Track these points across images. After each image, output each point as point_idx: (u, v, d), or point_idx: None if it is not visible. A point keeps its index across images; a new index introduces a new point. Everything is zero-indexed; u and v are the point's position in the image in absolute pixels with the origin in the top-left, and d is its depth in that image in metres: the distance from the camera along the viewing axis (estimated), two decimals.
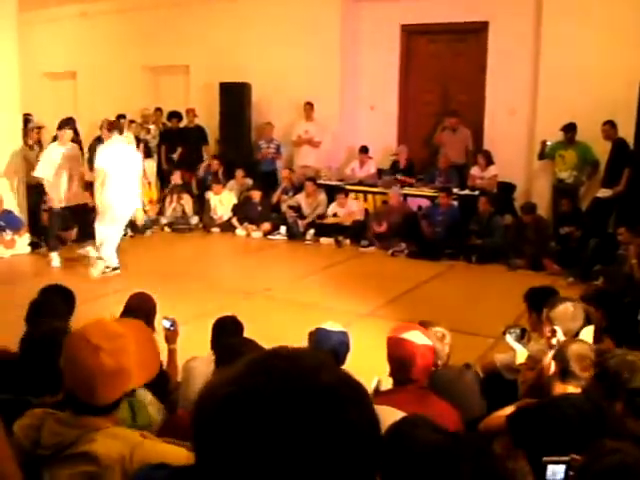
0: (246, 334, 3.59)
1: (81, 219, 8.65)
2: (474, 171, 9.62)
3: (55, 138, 10.65)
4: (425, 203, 9.63)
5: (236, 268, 8.62)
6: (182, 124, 11.75)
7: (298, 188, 10.59)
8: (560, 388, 2.75)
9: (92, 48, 13.37)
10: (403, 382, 2.86)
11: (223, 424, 0.85)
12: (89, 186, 8.51)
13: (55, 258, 8.35)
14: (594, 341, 3.30)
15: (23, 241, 8.88)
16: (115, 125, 8.06)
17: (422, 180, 10.14)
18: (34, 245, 8.99)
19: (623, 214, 8.01)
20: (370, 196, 10.19)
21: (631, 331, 4.10)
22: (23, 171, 9.40)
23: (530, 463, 2.43)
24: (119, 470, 1.68)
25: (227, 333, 3.57)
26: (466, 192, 9.46)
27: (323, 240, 9.81)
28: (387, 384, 3.14)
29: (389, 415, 2.22)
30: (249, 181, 10.97)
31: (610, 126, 8.38)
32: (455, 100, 10.61)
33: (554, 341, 3.29)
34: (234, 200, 10.72)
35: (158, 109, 12.34)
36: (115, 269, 7.77)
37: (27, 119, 10.73)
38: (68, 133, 8.69)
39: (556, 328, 3.37)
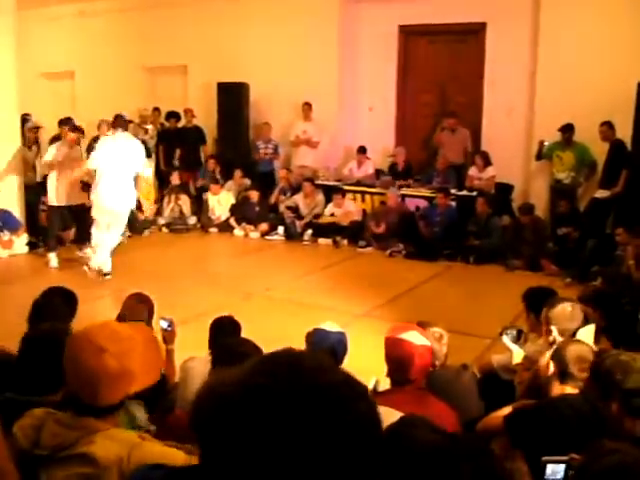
0: (243, 334, 3.59)
1: (79, 219, 8.64)
2: (472, 172, 9.63)
3: (55, 138, 10.67)
4: (423, 204, 9.64)
5: (234, 268, 8.61)
6: (180, 124, 11.74)
7: (296, 188, 10.60)
8: (558, 389, 2.75)
9: (90, 48, 13.36)
10: (401, 382, 2.87)
11: (229, 423, 0.86)
12: (87, 187, 8.49)
13: (53, 259, 8.34)
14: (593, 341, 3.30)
15: (21, 241, 8.87)
16: (119, 122, 7.84)
17: (420, 181, 10.15)
18: (32, 245, 8.98)
19: (621, 215, 8.02)
20: (368, 196, 10.19)
21: (629, 331, 4.10)
22: (21, 171, 9.39)
23: (528, 463, 2.43)
24: (116, 471, 1.68)
25: (225, 333, 3.57)
26: (464, 193, 9.46)
27: (321, 240, 9.81)
28: (385, 384, 3.15)
29: (387, 416, 2.21)
30: (247, 181, 10.96)
31: (608, 127, 8.39)
32: (453, 101, 10.62)
33: (551, 339, 3.30)
34: (232, 200, 10.72)
35: (156, 109, 12.33)
36: (106, 274, 7.62)
37: (25, 119, 10.72)
38: (71, 135, 8.68)
39: (552, 328, 3.38)
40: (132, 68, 12.88)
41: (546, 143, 8.99)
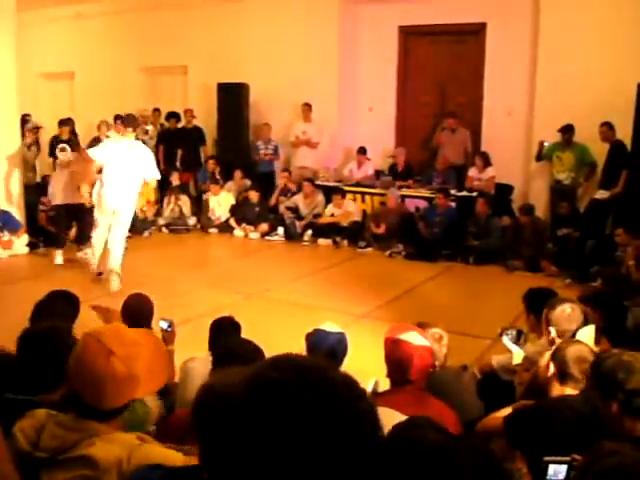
0: (243, 335, 3.59)
1: (78, 219, 8.64)
2: (472, 172, 9.63)
3: (57, 139, 10.66)
4: (423, 204, 9.64)
5: (234, 269, 8.61)
6: (180, 125, 11.74)
7: (296, 189, 10.60)
8: (558, 390, 2.75)
9: (90, 49, 13.37)
10: (400, 383, 2.86)
11: (232, 422, 0.86)
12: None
13: (59, 256, 8.41)
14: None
15: (21, 242, 8.87)
16: (130, 121, 7.50)
17: (420, 181, 10.15)
18: (32, 246, 8.97)
19: (620, 216, 8.02)
20: (368, 197, 10.19)
21: (628, 332, 4.10)
22: (21, 171, 9.40)
23: (529, 464, 2.43)
24: (116, 473, 1.68)
25: (225, 334, 3.57)
26: (464, 193, 9.46)
27: (321, 241, 9.81)
28: (385, 385, 3.15)
29: (387, 416, 2.22)
30: (247, 182, 10.97)
31: (608, 128, 8.39)
32: (453, 101, 10.62)
33: (550, 340, 3.31)
34: (232, 201, 10.72)
35: (156, 110, 12.34)
36: (100, 274, 7.46)
37: (25, 119, 10.73)
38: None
39: (550, 329, 3.38)
40: (132, 69, 12.89)
41: (546, 144, 9.00)
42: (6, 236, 8.73)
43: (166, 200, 10.86)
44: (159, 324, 3.86)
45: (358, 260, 9.03)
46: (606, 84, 8.47)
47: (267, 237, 10.14)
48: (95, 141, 11.09)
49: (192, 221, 10.79)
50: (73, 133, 11.35)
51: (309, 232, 9.91)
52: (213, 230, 10.53)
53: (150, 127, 11.80)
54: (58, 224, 8.70)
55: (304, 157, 10.99)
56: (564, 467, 2.20)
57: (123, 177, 7.11)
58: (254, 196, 10.42)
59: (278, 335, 5.01)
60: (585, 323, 3.44)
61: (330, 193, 10.21)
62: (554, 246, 8.34)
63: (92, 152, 7.26)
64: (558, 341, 3.22)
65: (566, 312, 3.39)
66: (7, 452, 1.62)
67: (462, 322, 5.82)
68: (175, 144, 11.62)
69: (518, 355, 3.69)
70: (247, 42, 11.34)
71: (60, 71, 14.01)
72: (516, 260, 8.25)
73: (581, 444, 2.12)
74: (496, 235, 8.72)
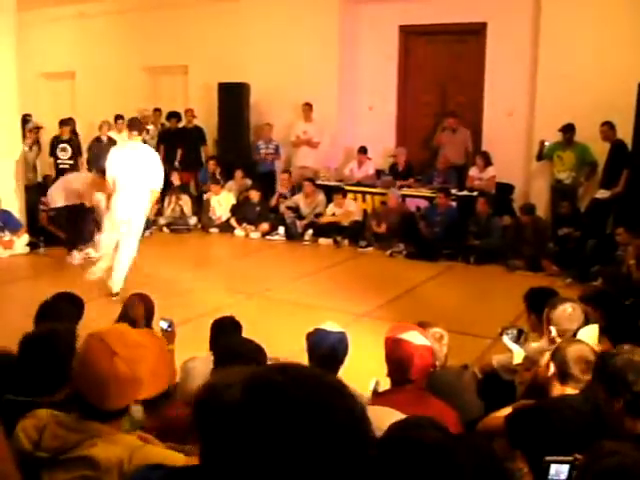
0: (244, 334, 3.59)
1: (80, 219, 8.66)
2: (472, 172, 9.63)
3: (57, 139, 10.69)
4: (423, 204, 9.64)
5: (234, 268, 8.61)
6: (181, 124, 11.75)
7: (297, 188, 10.61)
8: (558, 389, 2.75)
9: (91, 48, 13.37)
10: (401, 383, 2.86)
11: (231, 422, 0.87)
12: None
13: (77, 256, 8.45)
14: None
15: (21, 242, 8.87)
16: (135, 124, 7.25)
17: (420, 181, 10.15)
18: (33, 245, 8.98)
19: (621, 215, 8.01)
20: (369, 197, 10.20)
21: (630, 331, 4.10)
22: (22, 171, 9.40)
23: (530, 464, 2.43)
24: (117, 474, 1.68)
25: (226, 333, 3.58)
26: (464, 193, 9.46)
27: (321, 240, 9.81)
28: (385, 385, 3.15)
29: (388, 416, 2.22)
30: (248, 181, 10.97)
31: (609, 127, 8.38)
32: (453, 101, 10.62)
33: (552, 340, 3.31)
34: (233, 201, 10.72)
35: (157, 109, 12.35)
36: (115, 295, 6.78)
37: (26, 119, 10.74)
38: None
39: (551, 328, 3.38)
40: (133, 68, 12.89)
41: (547, 143, 8.99)
42: (7, 236, 8.73)
43: (167, 200, 10.86)
44: (159, 324, 3.86)
45: (359, 260, 9.03)
46: (607, 83, 8.46)
47: (268, 237, 10.14)
48: (96, 141, 11.14)
49: (193, 221, 10.79)
50: (74, 133, 11.40)
51: (310, 232, 9.91)
52: (214, 230, 10.53)
53: (151, 127, 11.81)
54: (62, 224, 8.70)
55: (305, 157, 10.99)
56: (566, 467, 2.20)
57: (132, 186, 6.84)
58: (255, 196, 10.42)
59: (279, 335, 5.02)
60: (586, 323, 3.44)
61: (331, 193, 10.21)
62: (555, 245, 8.33)
63: (109, 169, 6.92)
64: (559, 340, 3.22)
65: (567, 311, 3.40)
66: (9, 452, 1.62)
67: (463, 321, 5.82)
68: (176, 144, 11.63)
69: (519, 355, 3.69)
70: (248, 42, 11.34)
71: (61, 71, 14.02)
72: (517, 260, 8.25)
73: (581, 444, 2.12)
74: (497, 235, 8.72)
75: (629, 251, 6.82)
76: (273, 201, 10.70)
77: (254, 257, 9.37)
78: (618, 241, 7.26)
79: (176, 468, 1.25)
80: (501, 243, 8.57)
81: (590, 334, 3.34)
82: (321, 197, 10.29)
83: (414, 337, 2.86)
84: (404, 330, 2.91)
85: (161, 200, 10.96)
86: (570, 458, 2.19)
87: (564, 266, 7.84)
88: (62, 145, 10.60)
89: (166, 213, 10.82)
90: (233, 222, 10.45)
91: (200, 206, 10.91)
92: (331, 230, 9.77)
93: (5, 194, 8.81)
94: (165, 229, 10.66)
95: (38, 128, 11.07)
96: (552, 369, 2.78)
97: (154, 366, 1.83)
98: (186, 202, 10.84)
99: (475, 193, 9.24)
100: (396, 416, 2.18)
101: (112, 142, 11.08)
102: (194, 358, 3.57)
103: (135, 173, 6.79)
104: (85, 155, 11.02)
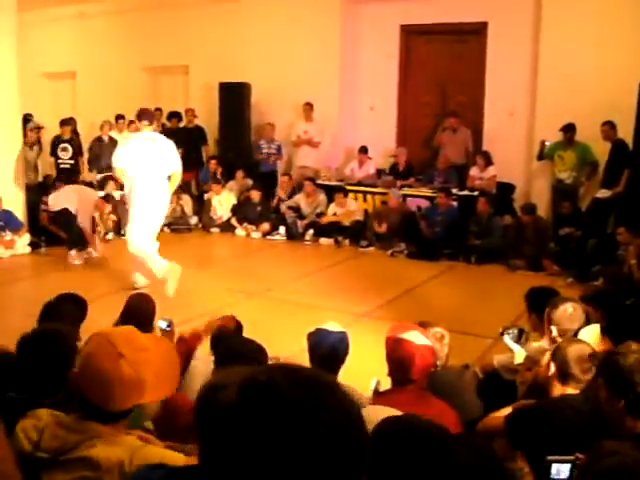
0: (245, 334, 3.59)
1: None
2: (473, 172, 9.62)
3: (58, 139, 10.69)
4: (424, 203, 9.64)
5: (235, 268, 8.61)
6: (181, 124, 11.75)
7: (297, 188, 10.60)
8: (559, 389, 2.74)
9: (91, 48, 13.37)
10: (402, 382, 2.86)
11: (227, 423, 0.88)
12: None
13: (77, 256, 8.43)
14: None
15: (22, 241, 8.87)
16: (145, 114, 7.01)
17: (421, 180, 10.15)
18: (34, 245, 8.98)
19: (622, 215, 8.01)
20: (369, 196, 10.19)
21: (631, 331, 4.10)
22: (23, 171, 9.40)
23: (530, 463, 2.43)
24: (117, 474, 1.68)
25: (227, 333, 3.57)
26: (465, 193, 9.46)
27: (322, 240, 9.81)
28: (386, 385, 3.15)
29: (388, 415, 2.22)
30: (249, 181, 10.97)
31: (609, 127, 8.38)
32: (454, 100, 10.61)
33: (553, 340, 3.30)
34: (233, 200, 10.72)
35: (157, 109, 12.33)
36: (170, 268, 6.73)
37: (27, 119, 10.74)
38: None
39: (552, 328, 3.38)
40: (133, 68, 12.89)
41: (547, 143, 8.99)
42: (8, 235, 8.73)
43: None
44: (158, 323, 3.85)
45: (360, 259, 9.03)
46: (608, 83, 8.46)
47: (269, 236, 10.14)
48: (97, 141, 11.14)
49: (194, 220, 10.79)
50: (75, 133, 11.40)
51: (311, 231, 9.91)
52: (215, 229, 10.53)
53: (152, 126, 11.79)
54: (65, 224, 8.68)
55: (305, 156, 10.99)
56: (567, 466, 2.20)
57: (150, 176, 6.68)
58: (256, 196, 10.41)
59: (280, 334, 5.02)
60: (587, 323, 3.44)
61: (332, 192, 10.21)
62: (556, 245, 8.33)
63: (116, 160, 6.81)
64: (559, 340, 3.22)
65: (568, 311, 3.39)
66: (9, 452, 1.62)
67: (464, 321, 5.81)
68: (176, 144, 11.53)
69: (520, 354, 3.68)
70: (249, 42, 11.34)
71: (62, 71, 14.02)
72: (518, 259, 8.25)
73: (582, 444, 2.12)
74: (498, 234, 8.72)
75: (630, 251, 6.82)
76: (274, 201, 10.69)
77: (255, 257, 9.37)
78: (619, 241, 7.26)
79: (176, 468, 1.25)
80: (502, 243, 8.57)
81: (591, 334, 3.33)
82: (322, 197, 10.29)
83: (415, 337, 2.86)
84: (405, 330, 2.91)
85: None
86: (572, 457, 2.19)
87: (565, 266, 7.84)
88: (63, 145, 10.60)
89: (167, 213, 10.80)
90: (234, 222, 10.45)
91: (201, 206, 10.91)
92: (332, 230, 9.77)
93: (6, 194, 8.81)
94: (166, 229, 10.63)
95: (39, 128, 11.05)
96: (552, 369, 2.78)
97: (160, 371, 1.82)
98: (187, 202, 10.84)
99: (476, 193, 9.24)
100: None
101: (113, 142, 11.09)
102: (195, 357, 3.58)
103: (152, 162, 6.65)
104: (86, 155, 11.02)
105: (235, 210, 10.58)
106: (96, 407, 1.77)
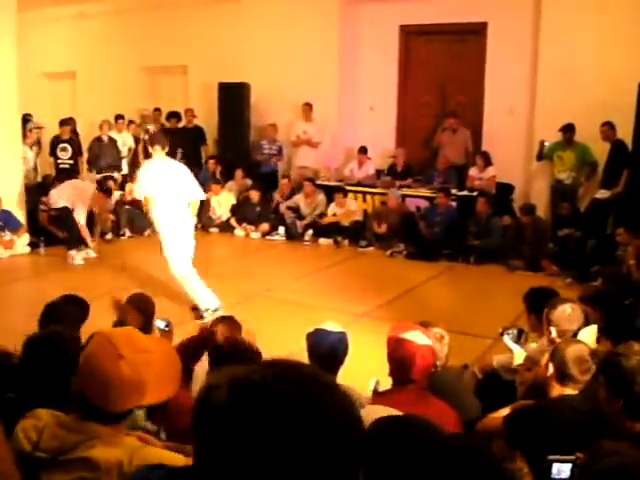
0: (244, 335, 3.59)
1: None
2: (472, 172, 9.63)
3: (58, 139, 10.68)
4: (423, 204, 9.64)
5: (234, 269, 8.61)
6: (181, 124, 11.75)
7: (297, 189, 10.60)
8: (558, 390, 2.74)
9: (91, 48, 13.37)
10: (403, 382, 2.86)
11: (217, 425, 0.87)
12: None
13: (77, 256, 8.43)
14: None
15: (22, 241, 8.87)
16: (157, 138, 6.94)
17: (420, 181, 10.15)
18: (33, 245, 8.98)
19: (621, 215, 8.01)
20: (369, 197, 10.20)
21: (629, 332, 4.10)
22: (22, 171, 9.40)
23: (529, 464, 2.43)
24: (116, 475, 1.68)
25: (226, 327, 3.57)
26: (464, 193, 9.46)
27: (322, 240, 9.81)
28: (385, 385, 3.15)
29: (388, 414, 2.22)
30: (248, 181, 10.97)
31: (609, 127, 8.39)
32: (454, 101, 10.61)
33: (552, 341, 3.30)
34: (233, 200, 10.72)
35: (157, 109, 12.35)
36: (216, 310, 6.27)
37: (26, 119, 10.74)
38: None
39: (551, 329, 3.38)
40: (133, 68, 12.89)
41: (547, 143, 8.99)
42: (7, 236, 8.73)
43: None
44: (156, 323, 3.84)
45: (359, 260, 9.03)
46: (607, 83, 8.46)
47: (268, 237, 10.14)
48: (97, 141, 11.13)
49: (193, 221, 10.76)
50: (74, 133, 11.40)
51: (310, 232, 9.91)
52: (214, 230, 10.53)
53: (151, 127, 11.80)
54: (66, 224, 8.68)
55: (305, 157, 10.99)
56: (568, 466, 2.20)
57: (172, 197, 6.48)
58: (255, 196, 10.41)
59: (279, 335, 5.02)
60: (586, 323, 3.44)
61: (331, 193, 10.21)
62: (555, 245, 8.34)
63: (142, 189, 6.58)
64: (558, 341, 3.22)
65: (567, 312, 3.39)
66: (9, 452, 1.62)
67: (463, 321, 5.82)
68: (176, 144, 11.58)
69: (519, 355, 3.69)
70: (248, 42, 11.34)
71: (61, 71, 14.02)
72: (517, 260, 8.25)
73: (581, 444, 2.12)
74: (497, 235, 8.72)
75: (629, 251, 6.82)
76: (274, 202, 10.69)
77: (254, 257, 9.37)
78: (618, 241, 7.26)
79: (176, 468, 1.25)
80: (501, 243, 8.58)
81: (588, 335, 3.34)
82: (321, 197, 10.29)
83: (416, 337, 2.86)
84: (406, 330, 2.91)
85: None
86: (572, 457, 2.20)
87: (564, 266, 7.84)
88: (62, 145, 10.60)
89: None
90: (233, 222, 10.45)
91: (200, 206, 10.88)
92: (331, 230, 9.77)
93: (5, 194, 8.80)
94: None
95: (39, 128, 11.05)
96: (551, 369, 2.78)
97: (160, 373, 1.82)
98: None
99: (475, 193, 9.24)
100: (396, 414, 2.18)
101: (113, 142, 11.11)
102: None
103: (173, 184, 6.48)
104: (85, 155, 11.02)
105: (234, 210, 10.58)
106: (96, 407, 1.77)
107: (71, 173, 10.26)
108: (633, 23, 8.53)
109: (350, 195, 10.14)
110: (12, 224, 8.81)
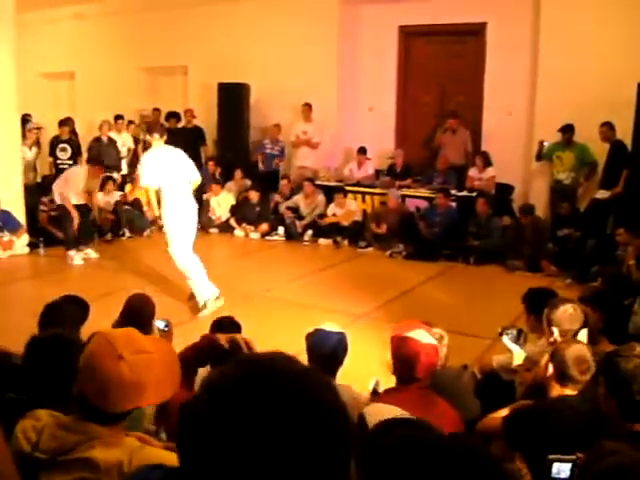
0: (244, 335, 3.58)
1: (83, 216, 8.68)
2: (472, 172, 9.63)
3: (57, 139, 10.68)
4: (423, 204, 9.64)
5: (234, 269, 8.61)
6: (180, 125, 11.75)
7: (296, 189, 10.60)
8: (557, 390, 2.75)
9: (90, 49, 13.37)
10: (407, 381, 2.86)
11: (197, 433, 0.86)
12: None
13: (76, 256, 8.42)
14: (591, 342, 3.30)
15: (21, 242, 8.87)
16: (155, 126, 6.95)
17: (420, 181, 10.15)
18: (32, 246, 8.98)
19: (621, 215, 8.02)
20: (368, 197, 10.20)
21: (629, 332, 4.11)
22: (21, 172, 9.40)
23: (529, 464, 2.43)
24: (116, 475, 1.68)
25: (225, 334, 3.57)
26: (464, 193, 9.46)
27: (321, 241, 9.81)
28: (385, 385, 3.15)
29: (392, 414, 2.22)
30: (248, 182, 10.97)
31: (608, 127, 8.39)
32: (453, 101, 10.62)
33: (552, 342, 3.30)
34: (232, 201, 10.72)
35: (156, 110, 12.35)
36: (217, 298, 6.48)
37: (25, 120, 10.74)
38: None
39: (553, 329, 3.37)
40: (132, 69, 12.89)
41: (546, 143, 9.00)
42: (6, 236, 8.72)
43: None
44: (155, 324, 3.84)
45: (358, 260, 9.03)
46: (606, 83, 8.46)
47: (267, 237, 10.14)
48: (96, 141, 11.14)
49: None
50: (73, 133, 11.41)
51: (309, 232, 9.91)
52: (213, 230, 10.53)
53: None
54: (67, 227, 8.64)
55: (304, 157, 11.00)
56: (568, 465, 2.20)
57: (176, 185, 6.49)
58: (254, 196, 10.41)
59: (278, 335, 5.01)
60: (586, 323, 3.44)
61: (330, 193, 10.22)
62: (554, 246, 8.34)
63: (146, 179, 6.52)
64: (559, 341, 3.22)
65: (568, 312, 3.39)
66: (8, 453, 1.62)
67: (462, 322, 5.82)
68: (175, 144, 11.53)
69: (519, 355, 3.69)
70: (247, 42, 11.35)
71: (60, 71, 14.02)
72: (516, 260, 8.25)
73: (580, 444, 2.12)
74: (496, 235, 8.72)
75: (629, 251, 6.81)
76: (273, 202, 10.69)
77: (253, 257, 9.36)
78: (618, 241, 7.25)
79: (175, 468, 1.25)
80: (501, 243, 8.58)
81: (581, 337, 3.34)
82: (321, 197, 10.29)
83: (421, 335, 2.86)
84: (411, 328, 2.91)
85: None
86: (573, 457, 2.20)
87: (564, 266, 7.84)
88: (62, 145, 10.61)
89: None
90: (233, 222, 10.45)
91: (200, 206, 10.87)
92: (331, 230, 9.77)
93: (5, 194, 8.80)
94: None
95: (38, 128, 11.06)
96: (550, 370, 2.78)
97: (160, 374, 1.81)
98: None
99: (475, 193, 9.25)
100: (399, 413, 2.18)
101: (112, 142, 11.11)
102: None
103: (176, 172, 6.50)
104: (85, 155, 11.02)
105: (234, 210, 10.58)
106: (95, 408, 1.77)
107: None
108: (632, 23, 8.53)
109: (349, 196, 10.14)
110: (11, 224, 8.80)
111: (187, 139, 11.51)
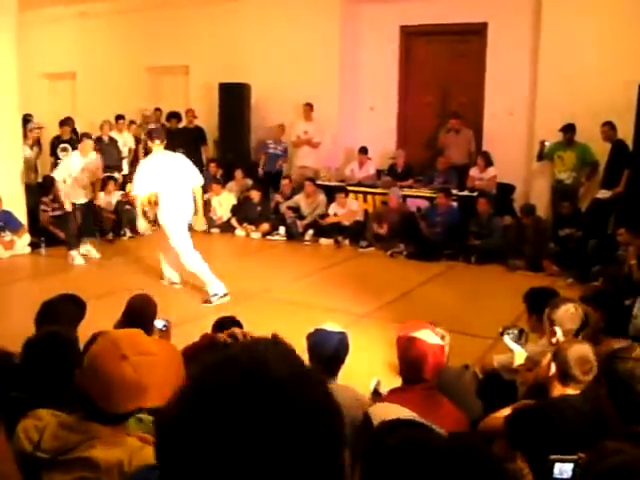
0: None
1: (85, 213, 8.66)
2: (473, 172, 9.63)
3: (58, 139, 10.70)
4: (424, 204, 9.64)
5: (235, 269, 8.60)
6: (181, 125, 11.75)
7: (297, 188, 10.60)
8: (559, 390, 2.74)
9: (91, 48, 13.37)
10: (414, 381, 2.85)
11: (173, 437, 0.84)
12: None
13: (77, 257, 8.41)
14: (592, 342, 3.30)
15: (22, 242, 8.87)
16: (157, 133, 7.07)
17: (421, 181, 10.15)
18: (34, 245, 8.98)
19: (622, 215, 8.01)
20: (369, 197, 10.20)
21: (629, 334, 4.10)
22: (22, 171, 9.40)
23: (530, 464, 2.43)
24: (117, 475, 1.68)
25: None
26: (465, 193, 9.46)
27: (322, 241, 9.81)
28: (386, 385, 3.15)
29: (398, 413, 2.22)
30: (249, 181, 10.97)
31: (609, 127, 8.38)
32: (454, 101, 10.62)
33: (554, 341, 3.30)
34: (233, 201, 10.72)
35: (157, 109, 12.35)
36: (225, 295, 6.74)
37: (27, 119, 10.74)
38: (88, 144, 8.54)
39: (556, 329, 3.37)
40: (133, 68, 12.89)
41: (547, 143, 8.99)
42: (8, 236, 8.72)
43: None
44: (154, 323, 3.83)
45: (359, 260, 9.03)
46: (607, 83, 8.46)
47: (268, 237, 10.14)
48: (97, 141, 11.12)
49: (193, 221, 10.76)
50: (74, 133, 11.40)
51: (310, 232, 9.91)
52: (215, 230, 10.52)
53: (151, 127, 11.81)
54: (69, 228, 8.63)
55: (305, 157, 11.00)
56: (570, 466, 2.20)
57: (174, 190, 6.69)
58: (255, 196, 10.41)
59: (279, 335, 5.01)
60: (586, 323, 3.44)
61: (331, 193, 10.22)
62: (556, 245, 8.33)
63: (137, 189, 6.80)
64: (562, 340, 3.22)
65: (570, 311, 3.39)
66: (10, 452, 1.62)
67: (463, 321, 5.81)
68: (176, 144, 11.59)
69: (520, 355, 3.68)
70: (249, 42, 11.35)
71: (62, 71, 14.02)
72: (518, 260, 8.25)
73: (582, 444, 2.12)
74: (498, 235, 8.72)
75: (630, 251, 6.81)
76: (274, 202, 10.69)
77: (255, 257, 9.37)
78: (619, 241, 7.25)
79: None
80: (502, 243, 8.57)
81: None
82: (322, 197, 10.29)
83: (428, 336, 2.86)
84: (416, 328, 2.91)
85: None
86: (574, 457, 2.20)
87: (565, 266, 7.84)
88: (63, 145, 10.60)
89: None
90: (234, 222, 10.45)
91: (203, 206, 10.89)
92: (332, 230, 9.77)
93: (6, 194, 8.80)
94: None
95: (39, 128, 11.05)
96: (553, 369, 2.77)
97: (163, 376, 1.81)
98: None
99: (476, 193, 9.24)
100: (405, 413, 2.18)
101: (113, 142, 11.10)
102: None
103: (174, 177, 6.66)
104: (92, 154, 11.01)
105: (235, 210, 10.58)
106: (98, 408, 1.77)
107: None
108: (633, 23, 8.53)
109: (351, 195, 10.14)
110: (13, 224, 8.80)
111: (188, 139, 11.54)
